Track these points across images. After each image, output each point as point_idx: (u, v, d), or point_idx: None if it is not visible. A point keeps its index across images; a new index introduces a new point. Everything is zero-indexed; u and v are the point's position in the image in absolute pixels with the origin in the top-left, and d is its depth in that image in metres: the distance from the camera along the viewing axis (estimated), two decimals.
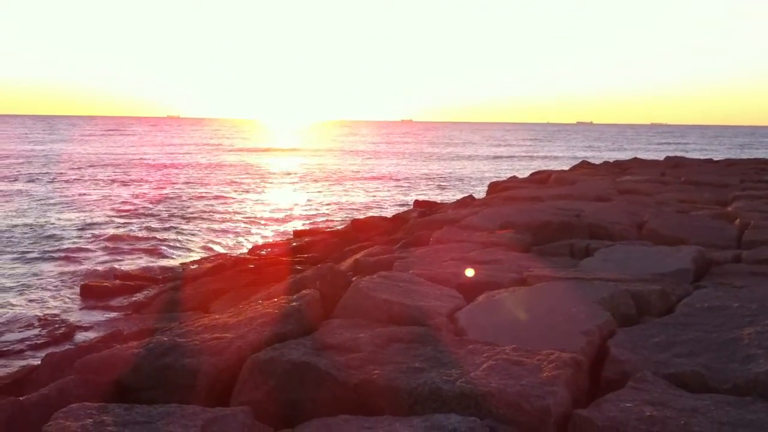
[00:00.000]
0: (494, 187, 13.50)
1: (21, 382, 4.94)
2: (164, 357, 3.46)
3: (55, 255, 12.03)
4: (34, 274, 10.51)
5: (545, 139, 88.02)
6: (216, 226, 15.83)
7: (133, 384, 3.39)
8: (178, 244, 13.39)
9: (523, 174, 18.85)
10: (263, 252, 11.47)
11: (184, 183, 26.33)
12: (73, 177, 27.77)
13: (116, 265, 11.16)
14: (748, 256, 5.64)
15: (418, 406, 2.91)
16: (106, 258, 11.96)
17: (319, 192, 24.23)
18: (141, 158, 40.96)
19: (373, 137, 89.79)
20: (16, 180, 26.05)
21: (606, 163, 18.92)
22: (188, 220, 16.65)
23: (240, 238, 14.46)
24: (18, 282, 10.03)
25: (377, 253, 6.97)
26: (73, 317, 8.15)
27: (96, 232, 14.42)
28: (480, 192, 18.56)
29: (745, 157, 30.07)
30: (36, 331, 7.51)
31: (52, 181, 25.72)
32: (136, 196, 21.45)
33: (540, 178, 14.37)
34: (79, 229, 14.75)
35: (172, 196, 21.77)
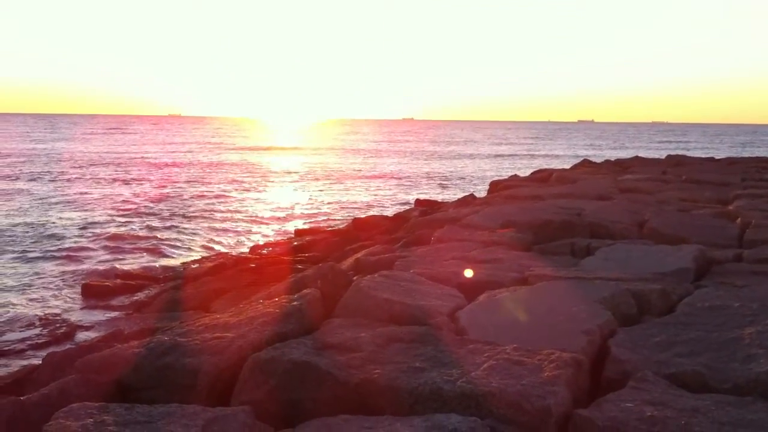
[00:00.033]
0: (495, 186, 13.50)
1: (22, 382, 4.94)
2: (165, 356, 3.46)
3: (57, 254, 12.04)
4: (35, 273, 10.52)
5: (546, 138, 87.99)
6: (217, 225, 15.84)
7: (133, 383, 3.39)
8: (179, 243, 13.40)
9: (525, 173, 18.85)
10: (264, 251, 11.48)
11: (185, 182, 26.33)
12: (75, 176, 27.80)
13: (117, 265, 11.17)
14: (749, 255, 5.63)
15: (419, 405, 2.90)
16: (107, 257, 11.97)
17: (320, 191, 24.24)
18: (142, 157, 40.98)
19: (374, 136, 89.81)
20: (17, 179, 26.08)
21: (607, 161, 18.92)
22: (189, 219, 16.66)
23: (241, 237, 14.47)
24: (19, 281, 10.04)
25: (378, 252, 6.96)
26: (74, 316, 8.16)
27: (97, 231, 14.43)
28: (481, 191, 18.56)
29: (746, 155, 30.07)
30: (37, 331, 7.52)
31: (53, 180, 25.74)
32: (138, 195, 21.47)
33: (541, 176, 14.37)
34: (80, 228, 14.76)
35: (173, 195, 21.78)
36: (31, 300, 9.02)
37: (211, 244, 13.51)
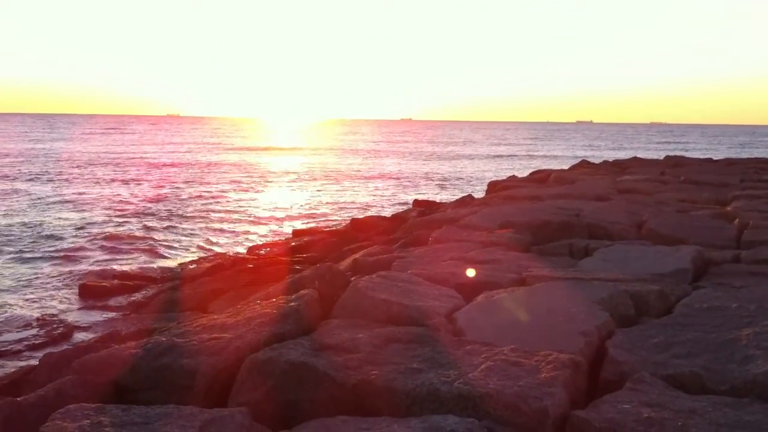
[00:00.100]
0: (494, 187, 13.50)
1: (18, 383, 4.93)
2: (162, 357, 3.46)
3: (54, 254, 12.02)
4: (33, 274, 10.50)
5: (545, 138, 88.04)
6: (215, 226, 15.82)
7: (130, 384, 3.39)
8: (176, 244, 13.38)
9: (523, 173, 18.85)
10: (262, 252, 11.47)
11: (183, 182, 26.31)
12: (73, 176, 27.77)
13: (115, 265, 11.15)
14: (747, 256, 5.63)
15: (416, 407, 2.90)
16: (105, 257, 11.94)
17: (318, 191, 24.23)
18: (141, 157, 40.95)
19: (373, 136, 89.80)
20: (15, 178, 26.05)
21: (605, 162, 18.92)
22: (187, 219, 16.64)
23: (239, 238, 14.45)
24: (16, 281, 10.03)
25: (376, 253, 6.96)
26: (72, 317, 8.14)
27: (95, 231, 14.41)
28: (479, 191, 18.56)
29: (745, 156, 30.07)
30: (34, 331, 7.50)
31: (51, 180, 25.71)
32: (136, 195, 21.45)
33: (539, 177, 14.37)
34: (77, 229, 14.74)
35: (171, 195, 21.76)
36: (28, 300, 9.00)
37: (208, 245, 13.49)
